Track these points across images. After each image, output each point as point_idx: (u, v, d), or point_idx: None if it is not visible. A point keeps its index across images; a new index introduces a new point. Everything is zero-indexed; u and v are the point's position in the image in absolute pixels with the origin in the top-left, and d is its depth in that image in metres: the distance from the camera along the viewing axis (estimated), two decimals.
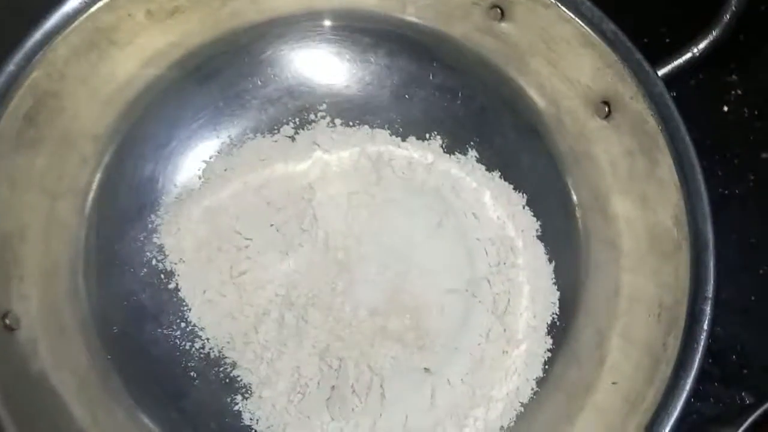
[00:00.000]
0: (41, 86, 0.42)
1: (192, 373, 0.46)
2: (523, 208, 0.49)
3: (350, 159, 0.51)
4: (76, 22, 0.42)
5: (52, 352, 0.41)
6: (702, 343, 0.36)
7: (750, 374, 0.49)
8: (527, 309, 0.47)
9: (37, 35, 0.41)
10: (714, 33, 0.42)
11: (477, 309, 0.47)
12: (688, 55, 0.42)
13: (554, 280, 0.48)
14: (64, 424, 0.41)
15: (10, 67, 0.40)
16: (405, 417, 0.45)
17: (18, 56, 0.40)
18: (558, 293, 0.48)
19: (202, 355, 0.47)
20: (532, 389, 0.46)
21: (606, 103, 0.44)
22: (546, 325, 0.47)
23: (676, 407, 0.35)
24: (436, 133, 0.51)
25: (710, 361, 0.49)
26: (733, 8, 0.41)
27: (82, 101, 0.44)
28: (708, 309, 0.36)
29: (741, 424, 0.33)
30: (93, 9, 0.42)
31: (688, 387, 0.35)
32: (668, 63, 0.42)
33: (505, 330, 0.46)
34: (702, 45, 0.42)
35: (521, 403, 0.45)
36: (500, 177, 0.50)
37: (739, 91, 0.56)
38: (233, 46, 0.49)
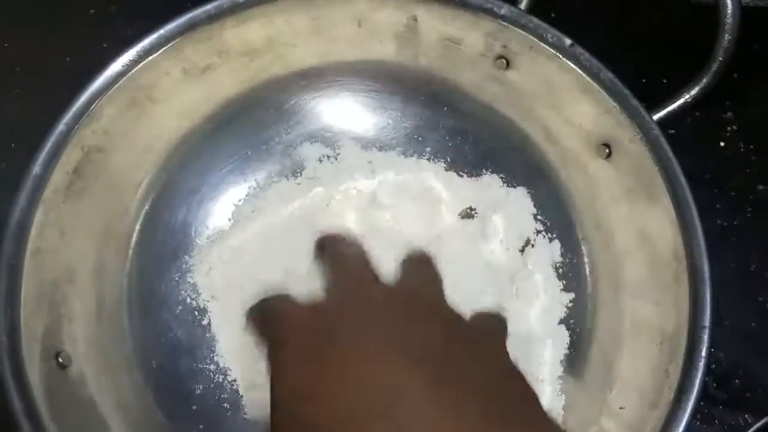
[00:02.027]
0: (87, 142, 0.45)
1: (225, 404, 0.49)
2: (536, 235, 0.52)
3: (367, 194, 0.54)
4: (119, 83, 0.46)
5: (101, 387, 0.44)
6: (701, 369, 0.38)
7: (753, 397, 0.51)
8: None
9: (84, 96, 0.45)
10: (705, 80, 0.45)
11: None
12: (681, 101, 0.46)
13: (567, 310, 0.51)
14: None
15: (60, 127, 0.44)
16: None
17: (67, 116, 0.44)
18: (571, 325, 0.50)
19: (234, 387, 0.50)
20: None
21: (606, 145, 0.47)
22: (563, 356, 0.50)
23: (679, 428, 0.38)
24: (447, 167, 0.54)
25: (715, 385, 0.51)
26: (720, 59, 0.44)
27: (124, 154, 0.48)
28: (705, 337, 0.39)
29: None
30: (134, 70, 0.46)
31: (689, 409, 0.38)
32: (663, 108, 0.46)
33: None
34: (694, 91, 0.46)
35: None
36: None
37: (735, 127, 0.59)
38: (260, 98, 0.53)
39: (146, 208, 0.50)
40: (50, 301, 0.44)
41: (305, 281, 0.50)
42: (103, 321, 0.47)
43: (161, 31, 0.46)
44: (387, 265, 0.52)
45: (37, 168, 0.42)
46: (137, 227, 0.50)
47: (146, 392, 0.48)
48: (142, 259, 0.50)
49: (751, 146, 0.58)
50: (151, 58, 0.46)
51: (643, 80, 0.58)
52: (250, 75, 0.51)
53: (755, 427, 0.35)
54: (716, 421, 0.50)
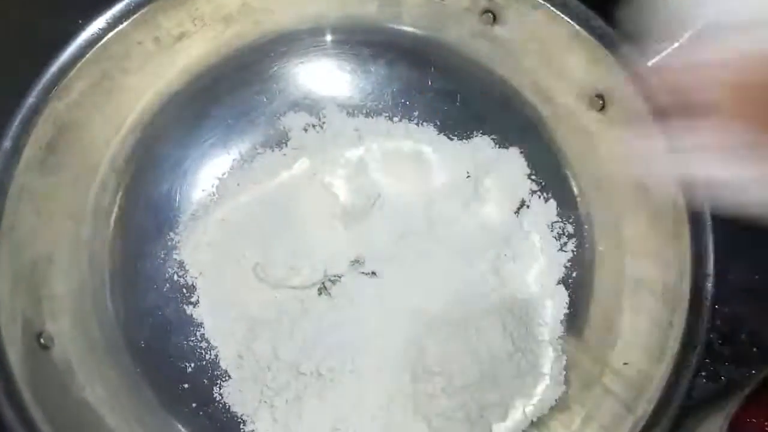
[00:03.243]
0: (60, 116, 0.44)
1: (218, 381, 0.48)
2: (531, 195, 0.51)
3: (355, 161, 0.52)
4: (89, 54, 0.44)
5: (85, 367, 0.43)
6: (706, 317, 0.37)
7: (759, 352, 0.49)
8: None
9: (54, 68, 0.43)
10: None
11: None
12: (676, 44, 0.44)
13: (566, 270, 0.49)
14: None
15: (30, 99, 0.42)
16: None
17: (37, 89, 0.43)
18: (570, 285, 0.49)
19: (226, 364, 0.48)
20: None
21: (600, 96, 0.46)
22: (563, 316, 0.48)
23: (684, 383, 0.37)
24: (437, 131, 0.53)
25: (720, 342, 0.50)
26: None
27: (99, 128, 0.46)
28: (709, 285, 0.38)
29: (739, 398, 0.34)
30: (104, 40, 0.44)
31: (695, 360, 0.37)
32: (657, 54, 0.44)
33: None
34: (687, 35, 0.44)
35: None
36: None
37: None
38: (239, 66, 0.51)
39: (125, 183, 0.49)
40: (29, 282, 0.43)
41: (293, 255, 0.49)
42: (86, 301, 0.46)
43: None
44: (384, 236, 0.51)
45: (7, 142, 0.41)
46: (117, 203, 0.48)
47: (134, 373, 0.47)
48: (124, 236, 0.49)
49: None
50: (120, 27, 0.45)
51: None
52: (227, 42, 0.50)
53: (759, 377, 0.34)
54: (722, 377, 0.49)
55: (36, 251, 0.43)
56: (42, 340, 0.41)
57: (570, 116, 0.48)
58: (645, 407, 0.38)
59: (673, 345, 0.38)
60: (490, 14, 0.48)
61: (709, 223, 0.39)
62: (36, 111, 0.42)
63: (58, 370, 0.42)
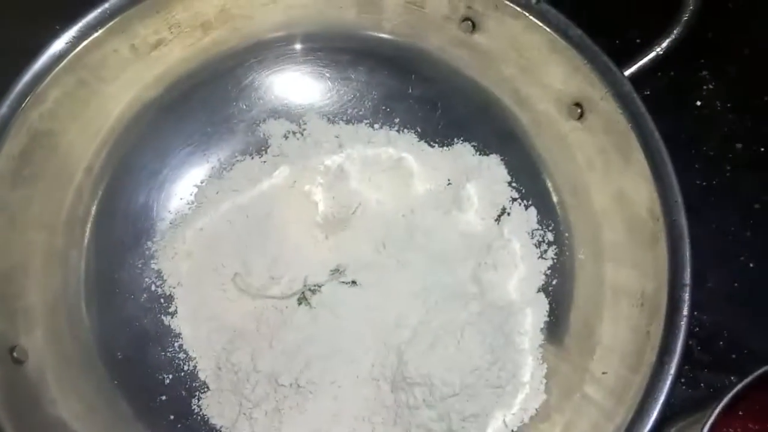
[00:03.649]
0: (34, 126, 0.43)
1: (196, 393, 0.47)
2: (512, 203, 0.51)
3: (335, 169, 0.52)
4: (64, 62, 0.43)
5: (60, 381, 0.43)
6: (683, 328, 0.37)
7: (738, 359, 0.50)
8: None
9: (27, 77, 0.43)
10: (675, 32, 0.44)
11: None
12: (653, 54, 0.44)
13: (546, 278, 0.49)
14: None
15: (3, 109, 0.42)
16: None
17: (10, 98, 0.42)
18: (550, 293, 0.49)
19: (204, 375, 0.48)
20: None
21: (578, 105, 0.46)
22: (543, 324, 0.48)
23: (663, 391, 0.37)
24: (418, 138, 0.52)
25: (699, 348, 0.50)
26: (691, 7, 0.43)
27: (75, 137, 0.46)
28: (687, 295, 0.38)
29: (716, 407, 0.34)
30: (79, 48, 0.44)
31: (673, 370, 0.37)
32: (634, 63, 0.44)
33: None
34: (665, 44, 0.44)
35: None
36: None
37: (711, 86, 0.58)
38: (217, 74, 0.51)
39: (101, 192, 0.48)
40: (3, 294, 0.42)
41: (273, 264, 0.49)
42: (61, 312, 0.45)
43: (105, 5, 0.44)
44: (365, 244, 0.50)
45: None
46: (93, 213, 0.48)
47: (110, 385, 0.46)
48: (100, 246, 0.48)
49: (728, 105, 0.57)
50: (96, 35, 0.44)
51: (615, 39, 0.56)
52: (205, 49, 0.49)
53: (737, 387, 0.34)
54: (701, 384, 0.49)
55: (9, 263, 0.43)
56: (15, 354, 0.41)
57: (549, 124, 0.49)
58: (624, 415, 0.38)
59: (651, 353, 0.38)
60: (469, 22, 0.48)
61: (686, 232, 0.39)
62: (9, 120, 0.42)
63: (32, 384, 0.41)
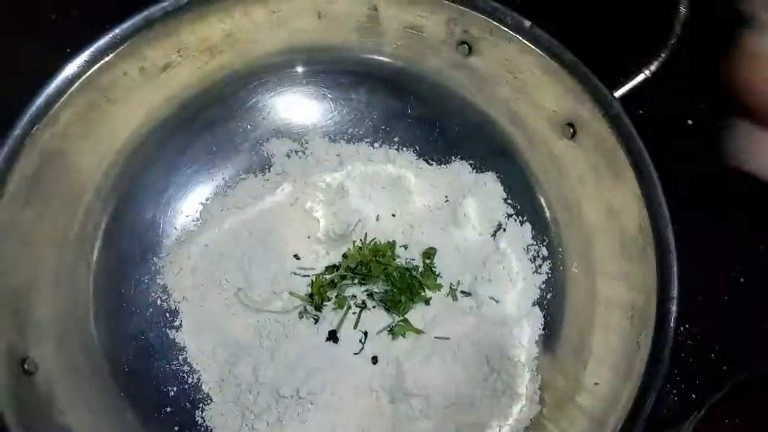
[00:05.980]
0: (46, 147, 0.45)
1: (200, 405, 0.49)
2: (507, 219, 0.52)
3: (336, 187, 0.54)
4: (76, 85, 0.45)
5: (68, 392, 0.44)
6: (670, 339, 0.38)
7: (729, 370, 0.51)
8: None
9: (40, 99, 0.44)
10: (663, 55, 0.45)
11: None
12: (641, 77, 0.46)
13: (541, 292, 0.51)
14: None
15: (17, 131, 0.43)
16: None
17: (23, 120, 0.43)
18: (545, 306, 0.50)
19: (208, 388, 0.49)
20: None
21: (570, 124, 0.47)
22: (538, 337, 0.50)
23: (652, 399, 0.38)
24: (417, 156, 0.54)
25: (690, 360, 0.51)
26: (677, 32, 0.44)
27: (85, 156, 0.47)
28: (673, 307, 0.39)
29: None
30: (91, 71, 0.45)
31: (660, 379, 0.38)
32: (624, 85, 0.46)
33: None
34: (653, 66, 0.46)
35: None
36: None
37: (702, 106, 0.59)
38: (222, 95, 0.53)
39: (110, 210, 0.50)
40: (13, 309, 0.43)
41: (275, 279, 0.50)
42: (70, 326, 0.46)
43: (116, 31, 0.45)
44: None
45: None
46: (101, 230, 0.49)
47: (117, 397, 0.47)
48: (108, 262, 0.49)
49: (718, 123, 0.59)
50: (107, 58, 0.46)
51: (606, 62, 0.58)
52: (211, 72, 0.51)
53: (718, 395, 0.35)
54: (693, 395, 0.50)
55: (20, 278, 0.44)
56: (26, 366, 0.42)
57: (543, 143, 0.50)
58: (615, 424, 0.39)
59: (640, 364, 0.39)
60: (465, 46, 0.50)
61: (673, 246, 0.40)
62: (22, 142, 0.43)
63: (42, 395, 0.42)
